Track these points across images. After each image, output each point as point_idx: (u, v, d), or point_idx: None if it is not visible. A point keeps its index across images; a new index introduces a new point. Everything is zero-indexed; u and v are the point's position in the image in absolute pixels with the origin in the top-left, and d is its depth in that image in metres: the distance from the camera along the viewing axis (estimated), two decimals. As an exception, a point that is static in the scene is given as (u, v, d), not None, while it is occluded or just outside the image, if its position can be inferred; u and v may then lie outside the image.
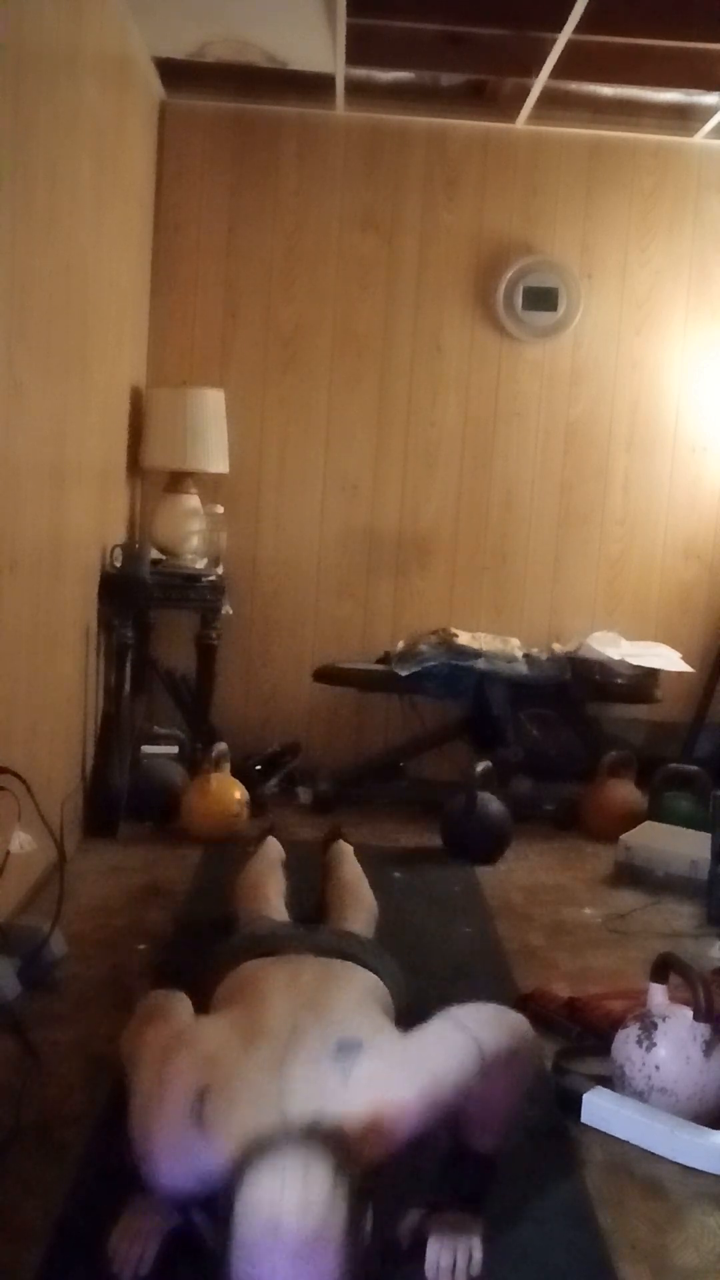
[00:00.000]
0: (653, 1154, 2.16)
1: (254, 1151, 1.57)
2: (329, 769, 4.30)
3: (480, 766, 3.94)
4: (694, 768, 4.18)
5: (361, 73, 4.22)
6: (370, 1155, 1.69)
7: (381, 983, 2.25)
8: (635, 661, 4.32)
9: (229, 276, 4.56)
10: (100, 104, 3.50)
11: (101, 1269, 1.77)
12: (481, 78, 4.35)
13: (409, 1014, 2.03)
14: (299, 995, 2.01)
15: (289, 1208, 1.50)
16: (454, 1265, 1.80)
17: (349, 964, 2.24)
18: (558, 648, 4.48)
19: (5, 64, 2.55)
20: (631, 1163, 2.15)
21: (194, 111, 4.51)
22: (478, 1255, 1.83)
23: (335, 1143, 1.60)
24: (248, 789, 3.94)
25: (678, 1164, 2.13)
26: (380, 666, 4.32)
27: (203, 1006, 2.13)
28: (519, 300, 4.53)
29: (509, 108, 4.39)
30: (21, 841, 2.67)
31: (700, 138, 4.48)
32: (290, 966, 2.17)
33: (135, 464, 4.28)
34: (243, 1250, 1.52)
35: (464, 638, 4.33)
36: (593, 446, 4.66)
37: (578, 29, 3.57)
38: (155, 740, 4.22)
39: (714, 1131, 2.17)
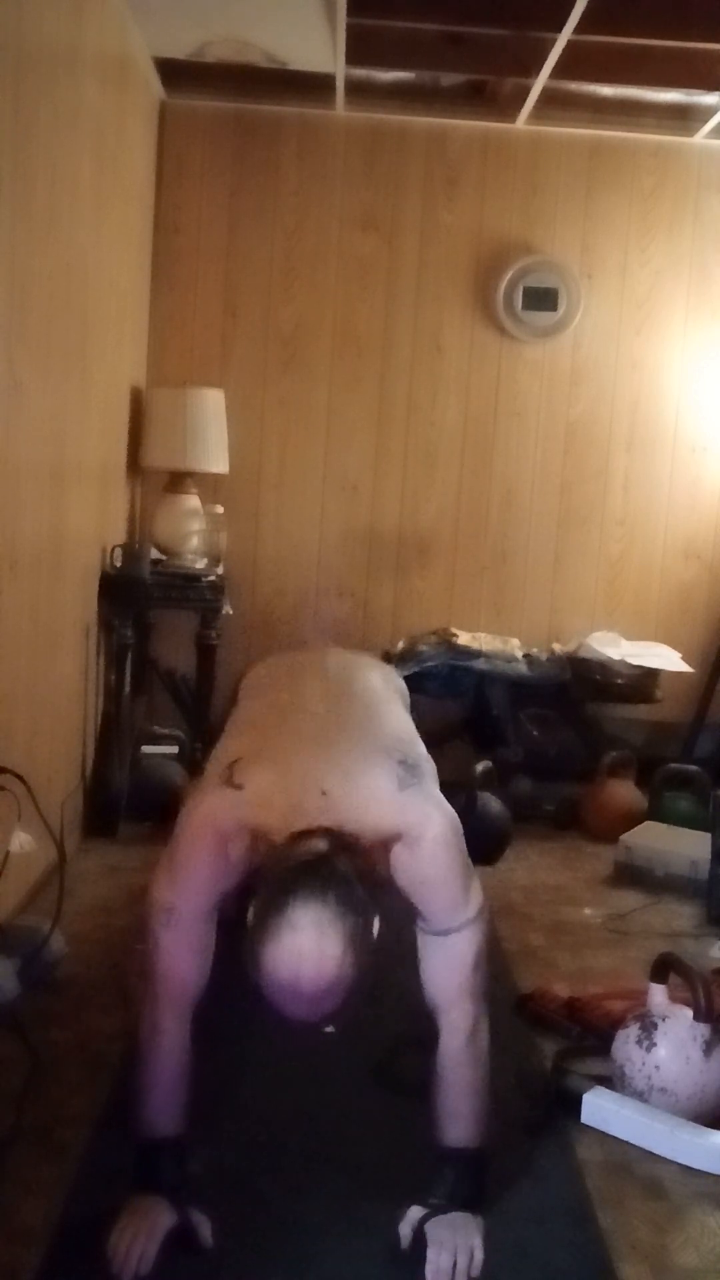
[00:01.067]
0: (653, 1154, 2.16)
1: (276, 899, 1.67)
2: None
3: (480, 766, 3.94)
4: (694, 768, 4.18)
5: (361, 73, 4.22)
6: (385, 873, 1.81)
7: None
8: (635, 661, 4.32)
9: (229, 276, 4.56)
10: (100, 104, 3.50)
11: (101, 1269, 1.77)
12: (481, 78, 4.35)
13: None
14: (329, 678, 2.11)
15: (307, 965, 1.64)
16: (454, 1266, 1.81)
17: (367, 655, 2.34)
18: (558, 648, 4.48)
19: (5, 64, 2.55)
20: (631, 1163, 2.15)
21: (194, 111, 4.51)
22: (479, 1255, 1.83)
23: (353, 861, 1.73)
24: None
25: (678, 1164, 2.14)
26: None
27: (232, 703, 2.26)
28: (519, 300, 4.53)
29: (509, 108, 4.39)
30: (21, 841, 2.67)
31: (700, 138, 4.48)
32: (315, 654, 2.23)
33: (135, 464, 4.28)
34: (265, 988, 1.67)
35: (464, 638, 4.33)
36: (593, 446, 4.66)
37: (578, 29, 3.57)
38: (155, 740, 4.22)
39: (714, 1131, 2.18)
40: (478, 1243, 1.84)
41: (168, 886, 1.93)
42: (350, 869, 1.73)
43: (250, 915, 1.71)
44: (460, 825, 1.95)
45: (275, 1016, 1.71)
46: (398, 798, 1.90)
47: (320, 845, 1.75)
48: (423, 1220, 1.87)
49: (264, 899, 1.70)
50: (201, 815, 1.93)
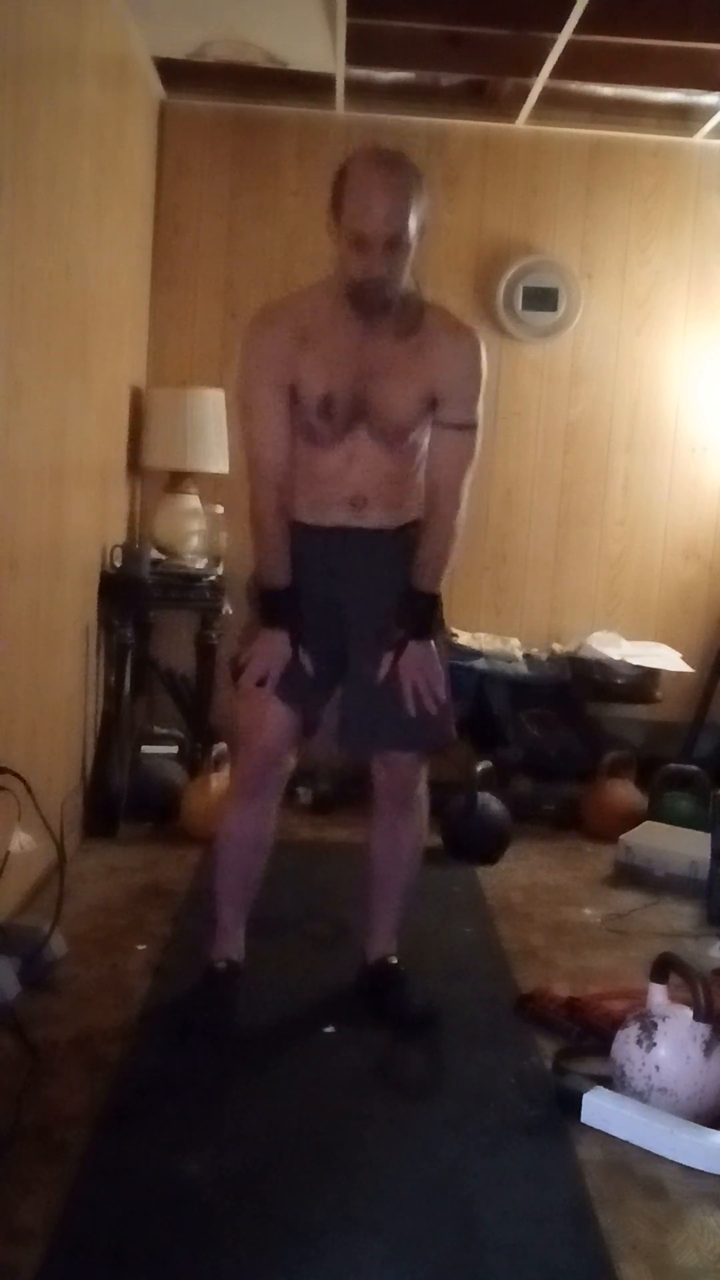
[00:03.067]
0: (653, 1154, 2.16)
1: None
2: (329, 769, 4.29)
3: (480, 766, 3.94)
4: (694, 768, 4.18)
5: (361, 73, 4.22)
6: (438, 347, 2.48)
7: None
8: (635, 661, 4.32)
9: (229, 276, 4.56)
10: (100, 104, 3.50)
11: (102, 1269, 1.77)
12: (481, 78, 4.35)
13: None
14: None
15: (388, 158, 2.37)
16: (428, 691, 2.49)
17: None
18: (558, 648, 4.49)
19: (5, 64, 2.55)
20: (631, 1163, 2.15)
21: (194, 111, 4.51)
22: (439, 687, 2.53)
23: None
24: None
25: (678, 1164, 2.13)
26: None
27: None
28: (519, 300, 4.53)
29: (509, 108, 4.39)
30: (21, 841, 2.68)
31: (700, 138, 4.48)
32: None
33: (135, 464, 4.28)
34: (352, 185, 2.33)
35: (464, 638, 4.33)
36: (593, 446, 4.66)
37: (578, 29, 3.57)
38: (155, 740, 4.22)
39: (714, 1131, 2.18)
40: (438, 671, 2.53)
41: (242, 385, 2.51)
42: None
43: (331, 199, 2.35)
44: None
45: (358, 231, 2.31)
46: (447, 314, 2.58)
47: None
48: (395, 655, 2.49)
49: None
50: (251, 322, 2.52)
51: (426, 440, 2.55)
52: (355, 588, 2.56)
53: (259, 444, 2.49)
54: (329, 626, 2.56)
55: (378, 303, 2.38)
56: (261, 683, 2.50)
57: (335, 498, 2.51)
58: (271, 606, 2.53)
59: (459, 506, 2.53)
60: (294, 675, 2.53)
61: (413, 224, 2.33)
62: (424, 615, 2.55)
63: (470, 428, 2.51)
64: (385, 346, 2.45)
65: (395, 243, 2.32)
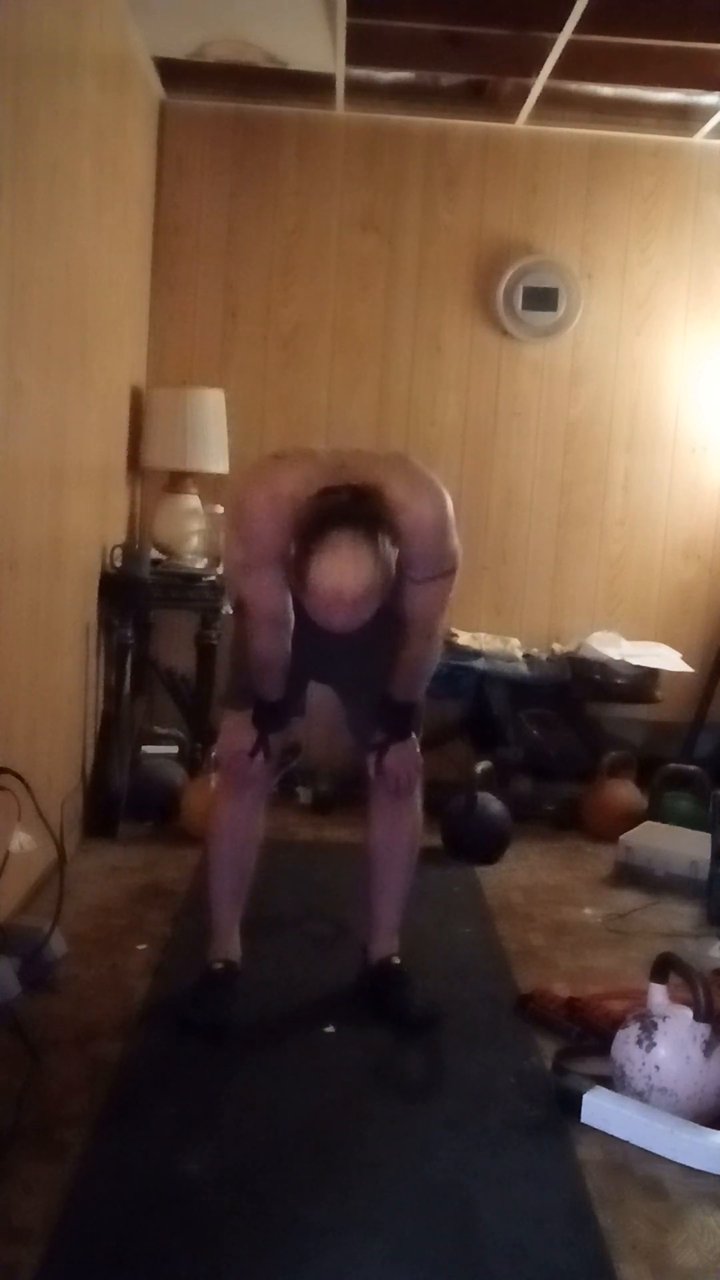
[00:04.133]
0: (653, 1154, 2.16)
1: (316, 532, 2.18)
2: (329, 769, 4.29)
3: (480, 766, 3.94)
4: (694, 768, 4.18)
5: (361, 73, 4.22)
6: (398, 525, 2.30)
7: None
8: (635, 661, 4.32)
9: (229, 276, 4.56)
10: (100, 104, 3.50)
11: (102, 1269, 1.77)
12: (481, 78, 4.35)
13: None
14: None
15: (347, 574, 2.17)
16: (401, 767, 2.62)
17: None
18: (558, 648, 4.48)
19: (5, 64, 2.55)
20: (631, 1163, 2.15)
21: (194, 111, 4.50)
22: (416, 752, 2.67)
23: (370, 503, 2.24)
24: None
25: (678, 1164, 2.13)
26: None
27: None
28: (519, 300, 4.53)
29: (509, 108, 4.39)
30: (21, 841, 2.68)
31: (700, 138, 4.48)
32: None
33: (135, 464, 4.28)
34: (313, 602, 2.23)
35: (464, 638, 4.33)
36: (593, 446, 4.66)
37: (578, 29, 3.57)
38: (155, 740, 4.22)
39: (714, 1131, 2.17)
40: (417, 767, 2.67)
41: (239, 549, 2.49)
42: (369, 508, 2.23)
43: (294, 551, 2.23)
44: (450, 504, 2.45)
45: (320, 632, 2.30)
46: (405, 466, 2.47)
47: (344, 495, 2.23)
48: (378, 756, 2.63)
49: (305, 535, 2.20)
50: (255, 480, 2.47)
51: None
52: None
53: (258, 605, 2.49)
54: (305, 635, 2.50)
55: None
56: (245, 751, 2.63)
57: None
58: (265, 714, 2.62)
59: (435, 639, 2.63)
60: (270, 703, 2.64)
61: (375, 604, 2.24)
62: (404, 719, 2.64)
63: (446, 575, 2.48)
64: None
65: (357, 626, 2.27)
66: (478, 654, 4.27)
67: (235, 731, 2.66)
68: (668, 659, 4.39)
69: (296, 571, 2.24)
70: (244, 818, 2.71)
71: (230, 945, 2.70)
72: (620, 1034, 2.36)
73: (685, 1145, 2.15)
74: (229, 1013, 2.55)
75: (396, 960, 2.73)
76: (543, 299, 4.53)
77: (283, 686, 2.58)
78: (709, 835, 3.51)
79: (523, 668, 4.32)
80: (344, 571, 2.17)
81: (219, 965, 2.66)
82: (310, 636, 2.46)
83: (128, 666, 4.02)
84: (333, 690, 2.74)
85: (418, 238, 4.56)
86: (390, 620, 2.51)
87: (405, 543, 2.32)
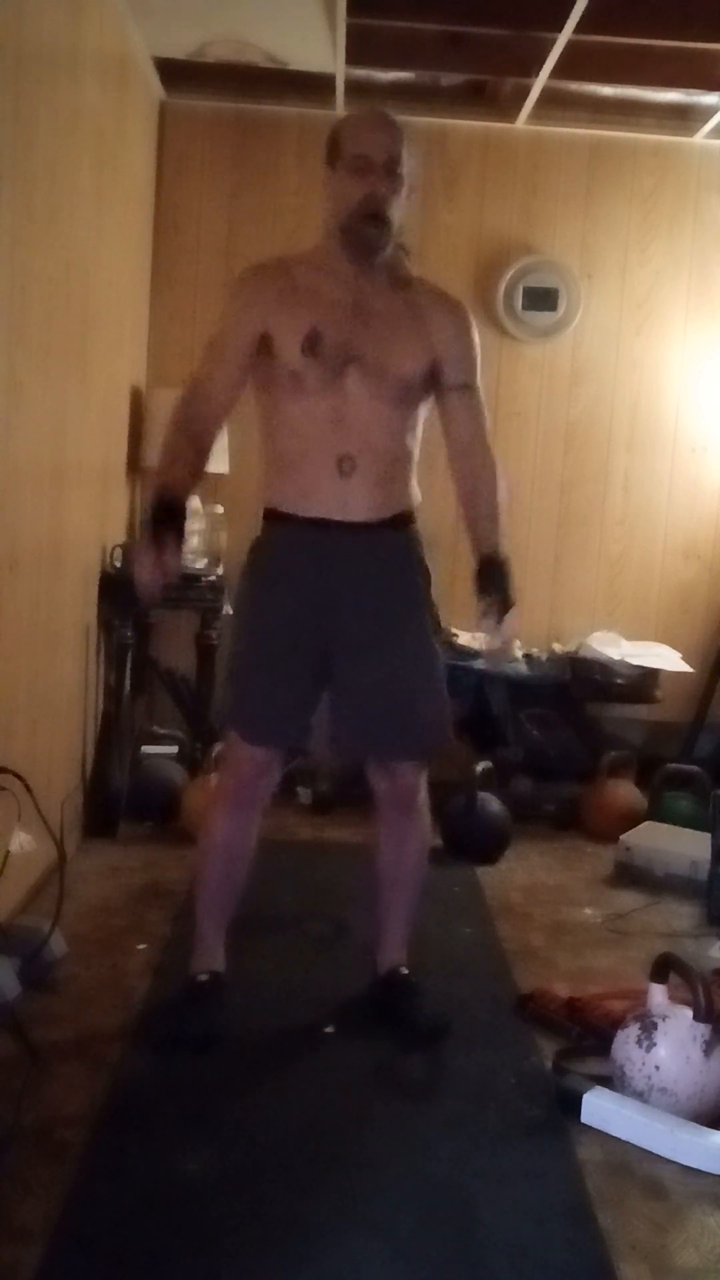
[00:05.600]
0: (653, 1154, 2.16)
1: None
2: (329, 769, 4.29)
3: (480, 766, 3.94)
4: (694, 768, 4.18)
5: (361, 73, 4.22)
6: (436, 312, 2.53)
7: None
8: (635, 661, 4.32)
9: (229, 276, 4.52)
10: (100, 104, 3.50)
11: (101, 1269, 1.77)
12: (481, 78, 4.35)
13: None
14: None
15: (379, 113, 2.47)
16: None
17: None
18: (558, 648, 4.48)
19: (5, 64, 2.55)
20: (631, 1163, 2.15)
21: (194, 111, 4.51)
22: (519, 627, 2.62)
23: None
24: None
25: (678, 1164, 2.13)
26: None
27: None
28: (519, 300, 4.53)
29: (509, 108, 4.39)
30: (21, 841, 2.67)
31: (700, 138, 4.48)
32: None
33: (135, 464, 4.28)
34: (345, 133, 2.43)
35: (464, 638, 4.33)
36: (593, 446, 4.66)
37: (578, 29, 3.57)
38: (155, 740, 4.22)
39: (714, 1131, 2.17)
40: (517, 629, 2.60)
41: (215, 326, 2.51)
42: None
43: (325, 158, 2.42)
44: None
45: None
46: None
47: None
48: (483, 615, 2.51)
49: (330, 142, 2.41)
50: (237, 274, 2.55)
51: (420, 412, 2.55)
52: (342, 590, 2.47)
53: (207, 364, 2.48)
54: (313, 633, 2.48)
55: (374, 236, 2.39)
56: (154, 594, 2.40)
57: (321, 460, 2.42)
58: (157, 512, 2.38)
59: (491, 455, 2.61)
60: (277, 701, 2.49)
61: (407, 161, 2.38)
62: (505, 577, 2.56)
63: (475, 389, 2.56)
64: (378, 293, 2.47)
65: (393, 167, 2.36)
66: (478, 654, 4.27)
67: (239, 749, 2.57)
68: (668, 659, 4.39)
69: (329, 158, 2.40)
70: (240, 837, 2.59)
71: (216, 957, 2.62)
72: (620, 1034, 2.36)
73: (685, 1145, 2.15)
74: (217, 1025, 2.50)
75: (404, 970, 2.68)
76: (543, 299, 4.53)
77: (188, 481, 2.43)
78: (709, 835, 3.51)
79: (523, 668, 4.31)
80: (378, 111, 2.45)
81: (204, 977, 2.58)
82: (319, 595, 2.44)
83: (128, 666, 4.02)
84: (336, 691, 2.54)
85: (418, 238, 4.55)
86: (402, 602, 2.53)
87: (436, 330, 2.47)
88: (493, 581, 2.53)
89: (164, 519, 2.35)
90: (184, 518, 2.39)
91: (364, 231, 2.39)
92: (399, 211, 2.41)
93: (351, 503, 2.44)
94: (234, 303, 2.50)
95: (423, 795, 2.66)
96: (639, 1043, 2.29)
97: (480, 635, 2.58)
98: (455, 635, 4.32)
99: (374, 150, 2.35)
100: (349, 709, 2.52)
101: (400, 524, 2.55)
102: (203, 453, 2.47)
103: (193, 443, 2.45)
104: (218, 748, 3.93)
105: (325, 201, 2.46)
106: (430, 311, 2.50)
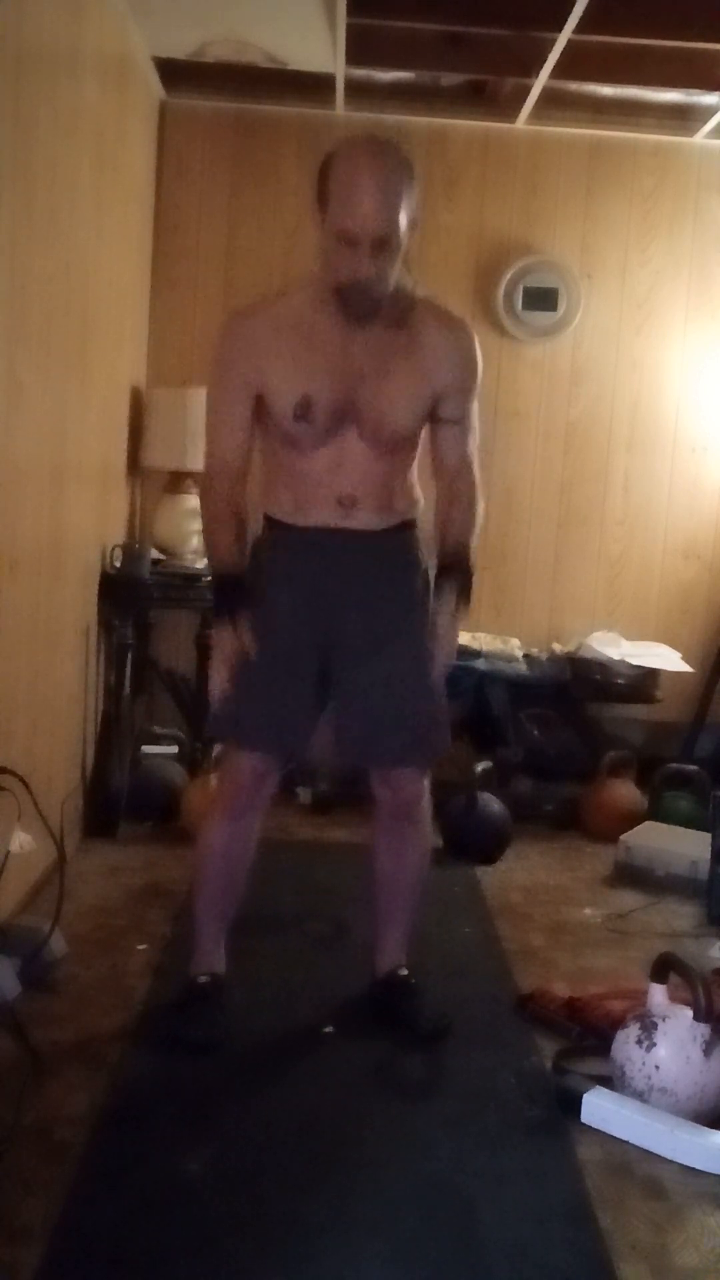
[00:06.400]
0: (653, 1154, 2.16)
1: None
2: (329, 769, 4.29)
3: (480, 766, 3.94)
4: (694, 768, 4.18)
5: (361, 73, 4.22)
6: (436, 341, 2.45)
7: None
8: (635, 661, 4.32)
9: (229, 276, 4.56)
10: (100, 104, 3.50)
11: (101, 1268, 1.77)
12: (481, 78, 4.35)
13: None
14: None
15: (376, 150, 2.28)
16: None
17: None
18: (558, 648, 4.48)
19: (5, 64, 2.55)
20: (631, 1163, 2.15)
21: (194, 111, 4.51)
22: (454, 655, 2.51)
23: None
24: None
25: (678, 1164, 2.13)
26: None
27: None
28: (519, 300, 4.53)
29: (509, 108, 4.39)
30: (21, 841, 2.68)
31: (700, 138, 4.48)
32: None
33: (135, 464, 4.28)
34: (339, 191, 2.23)
35: (463, 638, 4.33)
36: (593, 446, 4.66)
37: (578, 29, 3.57)
38: (155, 740, 4.22)
39: (714, 1131, 2.18)
40: (456, 639, 2.48)
41: (209, 382, 2.48)
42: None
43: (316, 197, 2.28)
44: None
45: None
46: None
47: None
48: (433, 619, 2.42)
49: (322, 173, 2.29)
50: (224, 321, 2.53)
51: (419, 438, 2.51)
52: (343, 594, 2.46)
53: (215, 442, 2.46)
54: (314, 637, 2.47)
55: (365, 305, 2.30)
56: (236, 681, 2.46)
57: (321, 497, 2.43)
58: (221, 594, 2.47)
59: (476, 483, 2.55)
60: (276, 709, 2.47)
61: (403, 219, 2.25)
62: (467, 574, 2.48)
63: (469, 421, 2.53)
64: (374, 344, 2.37)
65: (385, 242, 2.24)
66: (478, 654, 4.27)
67: (237, 756, 2.55)
68: (668, 659, 4.39)
69: (319, 201, 2.27)
70: (239, 843, 2.56)
71: (216, 959, 2.60)
72: (620, 1034, 2.36)
73: (685, 1145, 2.15)
74: (218, 1028, 2.49)
75: (404, 972, 2.66)
76: (543, 299, 4.53)
77: (235, 554, 2.45)
78: (709, 835, 3.51)
79: (523, 668, 4.31)
80: (374, 158, 2.25)
81: (204, 979, 2.57)
82: (320, 598, 2.43)
83: (128, 666, 4.02)
84: (337, 696, 2.52)
85: (418, 238, 4.55)
86: (403, 605, 2.50)
87: (436, 367, 2.41)
88: (450, 581, 2.46)
89: (231, 597, 2.43)
90: (248, 592, 2.44)
91: (355, 301, 2.31)
92: (395, 268, 2.31)
93: (352, 521, 2.45)
94: (222, 357, 2.43)
95: (425, 801, 2.64)
96: (639, 1043, 2.29)
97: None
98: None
99: (361, 229, 2.21)
100: (350, 715, 2.51)
101: (402, 528, 2.53)
102: (243, 520, 2.48)
103: (233, 516, 2.46)
104: (218, 748, 3.94)
105: (318, 241, 2.33)
106: (432, 343, 2.43)
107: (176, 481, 4.26)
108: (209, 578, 2.56)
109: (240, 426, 2.42)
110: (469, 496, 2.54)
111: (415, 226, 2.32)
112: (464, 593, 2.46)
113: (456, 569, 2.47)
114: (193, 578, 4.14)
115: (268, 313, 2.43)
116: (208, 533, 2.50)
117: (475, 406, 2.54)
